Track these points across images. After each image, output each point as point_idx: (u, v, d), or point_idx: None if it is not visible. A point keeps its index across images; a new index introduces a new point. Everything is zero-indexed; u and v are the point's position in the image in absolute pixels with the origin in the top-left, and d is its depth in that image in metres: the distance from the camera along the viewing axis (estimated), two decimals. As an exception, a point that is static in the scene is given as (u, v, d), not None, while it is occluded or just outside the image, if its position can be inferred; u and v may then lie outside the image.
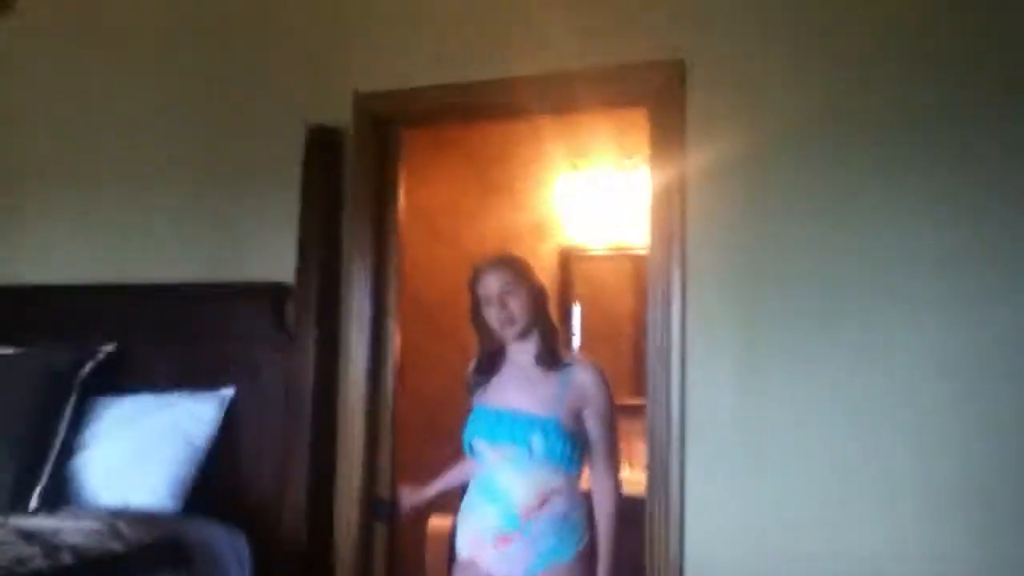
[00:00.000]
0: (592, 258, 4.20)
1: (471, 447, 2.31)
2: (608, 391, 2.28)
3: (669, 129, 2.35)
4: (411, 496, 2.49)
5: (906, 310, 2.10)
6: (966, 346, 2.04)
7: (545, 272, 4.01)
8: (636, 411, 2.96)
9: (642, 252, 2.79)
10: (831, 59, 2.21)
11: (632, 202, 3.90)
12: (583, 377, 2.27)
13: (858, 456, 2.10)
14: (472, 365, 2.45)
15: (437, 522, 3.66)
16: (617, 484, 2.22)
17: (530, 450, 2.18)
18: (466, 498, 2.32)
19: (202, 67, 2.97)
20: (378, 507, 2.63)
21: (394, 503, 2.56)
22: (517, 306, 2.28)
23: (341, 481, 2.62)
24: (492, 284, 2.30)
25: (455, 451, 2.43)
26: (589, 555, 2.20)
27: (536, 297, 2.33)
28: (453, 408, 2.61)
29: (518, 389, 2.29)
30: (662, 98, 2.36)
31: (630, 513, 2.30)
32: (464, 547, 2.29)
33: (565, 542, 2.18)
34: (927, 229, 2.09)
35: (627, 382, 3.92)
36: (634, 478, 2.82)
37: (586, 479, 2.25)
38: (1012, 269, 2.02)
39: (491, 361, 2.39)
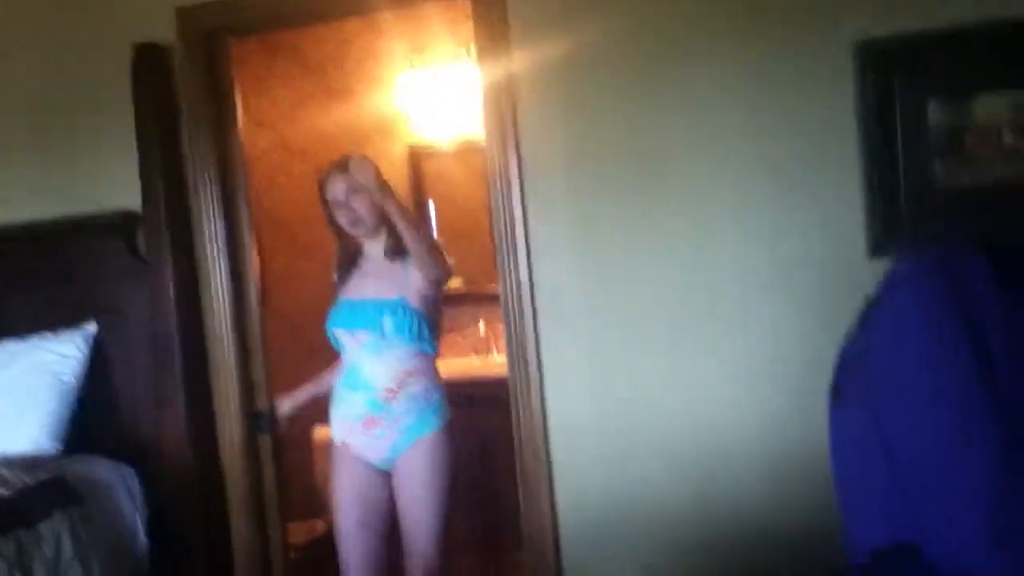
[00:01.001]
0: (441, 154, 4.27)
1: (334, 338, 2.50)
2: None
3: (492, 20, 2.40)
4: (286, 403, 2.64)
5: (717, 174, 2.30)
6: (769, 212, 2.26)
7: (396, 171, 4.06)
8: (498, 298, 3.13)
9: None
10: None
11: (472, 95, 3.97)
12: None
13: (689, 307, 2.33)
14: (335, 264, 2.62)
15: (321, 434, 3.77)
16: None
17: (383, 331, 2.40)
18: (335, 389, 2.53)
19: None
20: (258, 419, 2.71)
21: (273, 414, 2.65)
22: (363, 207, 2.44)
23: (219, 400, 2.69)
24: (337, 189, 2.46)
25: (326, 363, 2.62)
26: (449, 431, 2.46)
27: (383, 196, 2.37)
28: (321, 323, 2.73)
29: (372, 280, 2.50)
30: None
31: (503, 391, 2.53)
32: (337, 433, 2.51)
33: (426, 421, 2.43)
34: (731, 113, 2.28)
35: (488, 271, 4.08)
36: (501, 360, 3.02)
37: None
38: (804, 112, 2.24)
39: (350, 259, 2.56)
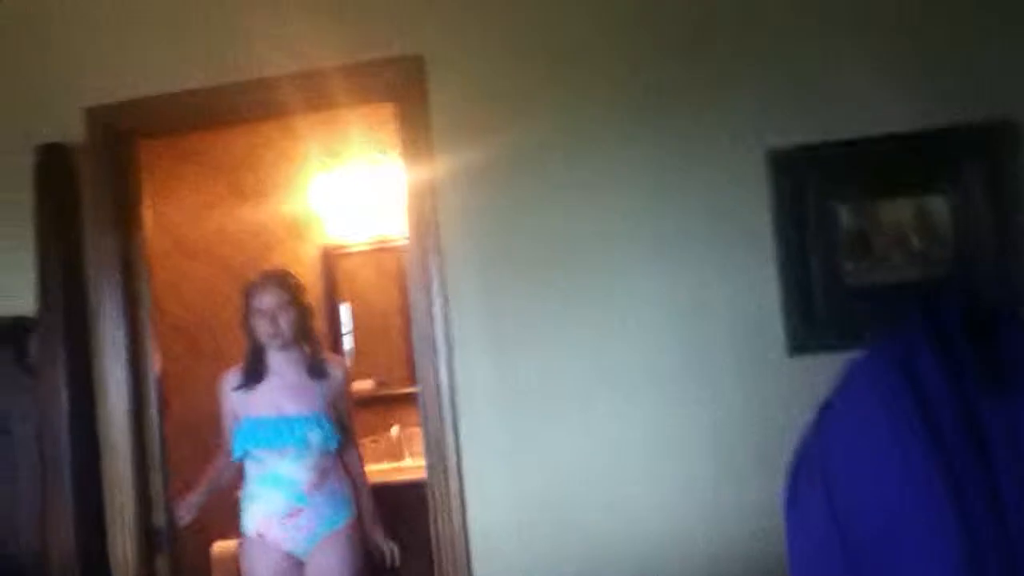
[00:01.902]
0: (355, 254, 4.24)
1: (244, 452, 2.64)
2: (349, 375, 2.86)
3: (415, 125, 2.40)
4: (184, 508, 2.66)
5: (632, 281, 2.32)
6: (691, 289, 2.28)
7: (308, 272, 4.00)
8: (412, 399, 3.06)
9: (403, 244, 2.89)
10: (557, 58, 2.37)
11: (389, 196, 3.97)
12: (337, 373, 2.76)
13: (603, 403, 2.30)
14: (234, 373, 2.73)
15: (221, 546, 3.57)
16: (357, 445, 2.84)
17: (308, 445, 2.60)
18: (246, 489, 2.69)
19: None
20: (156, 536, 2.53)
21: (172, 530, 2.54)
22: (286, 322, 2.64)
23: (113, 516, 2.48)
24: (267, 301, 2.65)
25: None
26: (357, 522, 2.72)
27: (304, 314, 2.71)
28: (217, 428, 2.71)
29: (289, 396, 2.65)
30: (406, 94, 2.41)
31: (414, 497, 2.53)
32: (252, 527, 2.66)
33: (339, 512, 2.67)
34: (645, 214, 2.32)
35: (402, 372, 4.01)
36: (416, 464, 2.94)
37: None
38: (719, 215, 2.27)
39: (256, 369, 2.69)
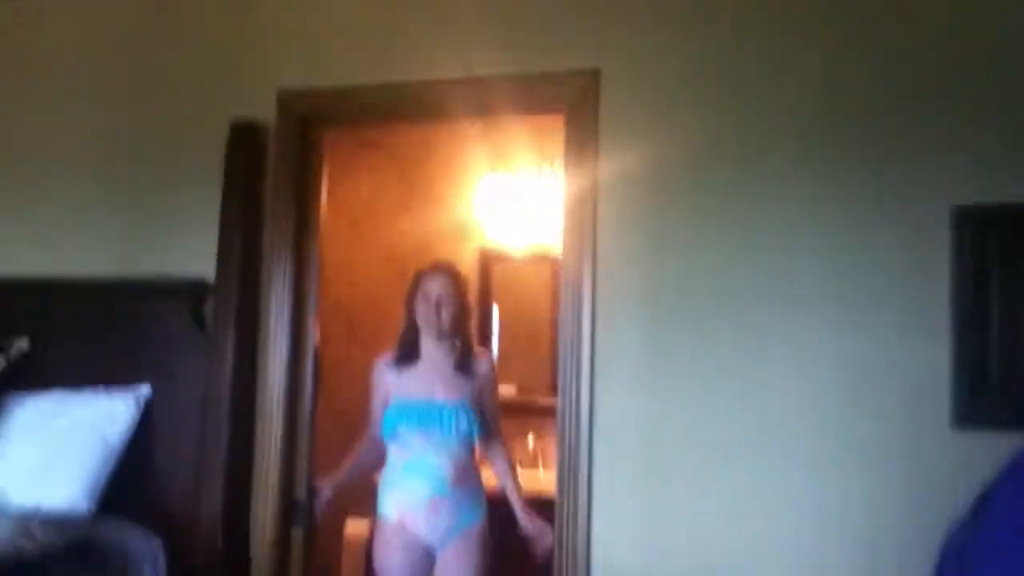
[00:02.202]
0: (512, 260, 4.29)
1: (393, 432, 2.69)
2: (495, 373, 2.88)
3: (583, 136, 2.42)
4: (326, 485, 2.74)
5: (801, 312, 2.22)
6: (855, 345, 2.17)
7: (465, 272, 4.07)
8: (550, 411, 3.05)
9: (559, 257, 2.92)
10: (737, 75, 2.33)
11: (551, 206, 4.01)
12: (484, 366, 2.83)
13: (753, 457, 2.21)
14: (389, 354, 2.83)
15: (353, 528, 3.68)
16: (504, 442, 2.87)
17: (455, 431, 2.67)
18: (388, 475, 2.76)
19: (127, 66, 2.96)
20: (297, 510, 2.64)
21: (311, 506, 2.65)
22: (447, 313, 2.73)
23: (258, 484, 2.62)
24: (435, 288, 2.75)
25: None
26: (486, 523, 2.75)
27: (463, 310, 2.80)
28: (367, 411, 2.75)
29: (439, 383, 2.74)
30: (577, 105, 2.44)
31: (546, 512, 2.49)
32: (392, 512, 2.71)
33: (474, 510, 2.73)
34: (817, 258, 2.22)
35: (544, 382, 4.02)
36: (546, 477, 2.93)
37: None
38: (893, 271, 2.16)
39: (410, 351, 2.80)
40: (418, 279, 2.80)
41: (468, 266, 4.21)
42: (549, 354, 3.97)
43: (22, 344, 2.72)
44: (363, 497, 3.22)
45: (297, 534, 2.66)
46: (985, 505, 0.64)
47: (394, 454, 2.75)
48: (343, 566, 3.45)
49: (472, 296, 2.97)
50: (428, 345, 2.80)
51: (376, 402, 2.84)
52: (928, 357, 2.11)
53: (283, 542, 2.63)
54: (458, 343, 2.80)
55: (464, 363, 2.78)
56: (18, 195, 3.02)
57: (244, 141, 2.70)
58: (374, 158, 4.31)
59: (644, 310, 2.35)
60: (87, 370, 2.70)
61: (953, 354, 2.08)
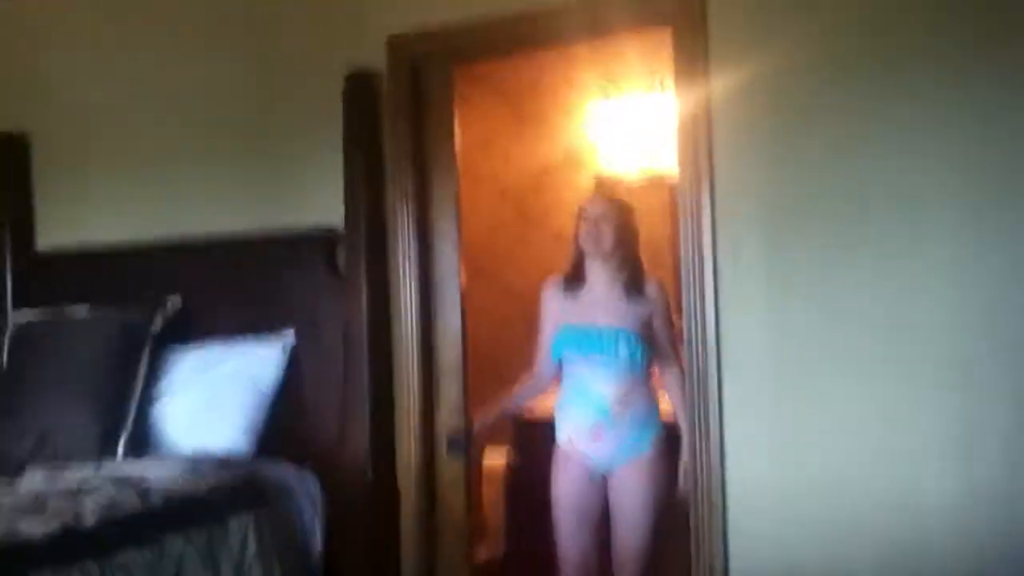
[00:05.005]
0: (628, 187, 4.24)
1: (559, 357, 2.82)
2: (667, 298, 2.86)
3: (692, 51, 2.35)
4: (481, 418, 2.88)
5: (933, 221, 2.12)
6: (992, 280, 2.06)
7: (581, 200, 4.07)
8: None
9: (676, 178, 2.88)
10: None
11: (664, 128, 3.92)
12: (651, 291, 2.82)
13: (886, 374, 2.16)
14: (556, 280, 2.91)
15: (491, 458, 3.82)
16: (682, 368, 2.64)
17: (616, 356, 2.71)
18: (560, 400, 2.87)
19: (239, 17, 3.05)
20: (453, 443, 2.73)
21: (468, 438, 2.75)
22: (608, 233, 2.75)
23: (400, 419, 2.75)
24: (594, 209, 2.80)
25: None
26: (663, 446, 2.77)
27: (628, 233, 2.81)
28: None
29: (603, 309, 2.79)
30: (685, 18, 2.36)
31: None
32: (564, 437, 2.84)
33: (644, 435, 2.76)
34: (958, 162, 2.10)
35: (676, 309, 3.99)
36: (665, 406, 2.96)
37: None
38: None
39: (576, 277, 2.86)
40: (581, 207, 2.85)
41: (584, 193, 4.19)
42: (671, 280, 3.95)
43: (176, 301, 2.92)
44: (502, 427, 3.34)
45: (443, 465, 2.76)
46: None
47: (565, 379, 2.85)
48: (483, 495, 3.58)
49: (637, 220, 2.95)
50: (594, 270, 2.83)
51: (545, 327, 2.92)
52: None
53: (428, 474, 2.75)
54: (626, 268, 2.82)
55: (632, 288, 2.80)
56: (142, 156, 3.18)
57: (359, 90, 2.77)
58: (483, 93, 4.31)
59: (765, 230, 2.30)
60: (236, 322, 2.88)
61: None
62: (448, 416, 2.76)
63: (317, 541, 2.61)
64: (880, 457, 2.17)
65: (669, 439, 2.79)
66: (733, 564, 2.31)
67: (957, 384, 2.10)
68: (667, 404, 2.89)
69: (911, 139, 2.15)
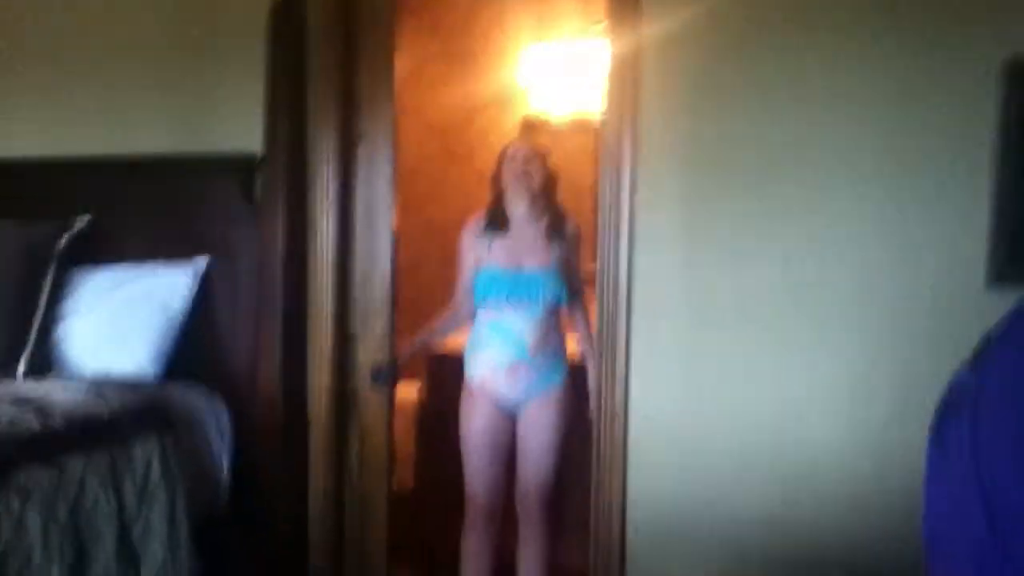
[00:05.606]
0: (555, 130, 4.24)
1: (482, 300, 2.82)
2: (581, 236, 2.97)
3: (626, -1, 2.35)
4: (408, 348, 2.95)
5: (843, 172, 2.19)
6: (895, 205, 2.15)
7: (507, 141, 4.06)
8: (590, 279, 3.11)
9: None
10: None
11: (595, 73, 3.92)
12: (570, 228, 2.93)
13: (790, 316, 2.24)
14: (477, 220, 2.92)
15: (403, 392, 3.84)
16: (585, 306, 2.85)
17: (541, 300, 2.78)
18: (474, 337, 2.92)
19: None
20: (377, 375, 2.72)
21: (394, 371, 2.74)
22: (536, 173, 2.83)
23: (313, 351, 2.73)
24: (521, 152, 2.87)
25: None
26: (570, 383, 2.89)
27: (550, 177, 2.90)
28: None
29: (527, 252, 2.84)
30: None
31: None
32: (477, 375, 2.90)
33: (555, 370, 2.87)
34: (863, 124, 2.17)
35: (586, 252, 4.04)
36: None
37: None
38: (942, 129, 2.11)
39: (498, 218, 2.89)
40: (502, 152, 2.90)
41: (510, 135, 4.19)
42: (591, 223, 4.00)
43: (83, 221, 2.83)
44: (413, 362, 3.37)
45: (353, 397, 2.76)
46: (986, 343, 0.65)
47: (481, 315, 2.88)
48: (394, 428, 3.61)
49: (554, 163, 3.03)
50: (518, 213, 2.87)
51: (465, 268, 2.94)
52: (971, 220, 2.09)
53: (341, 405, 2.76)
54: (548, 210, 2.88)
55: (554, 228, 2.86)
56: (70, 78, 3.06)
57: (283, 13, 2.69)
58: (414, 28, 4.24)
59: (685, 175, 2.34)
60: (147, 245, 2.82)
61: (992, 213, 2.06)
62: (375, 349, 2.75)
63: (224, 469, 2.60)
64: (776, 400, 2.27)
65: (575, 376, 2.89)
66: (631, 496, 2.39)
67: (854, 337, 2.20)
68: (572, 342, 2.99)
69: (827, 102, 2.19)
